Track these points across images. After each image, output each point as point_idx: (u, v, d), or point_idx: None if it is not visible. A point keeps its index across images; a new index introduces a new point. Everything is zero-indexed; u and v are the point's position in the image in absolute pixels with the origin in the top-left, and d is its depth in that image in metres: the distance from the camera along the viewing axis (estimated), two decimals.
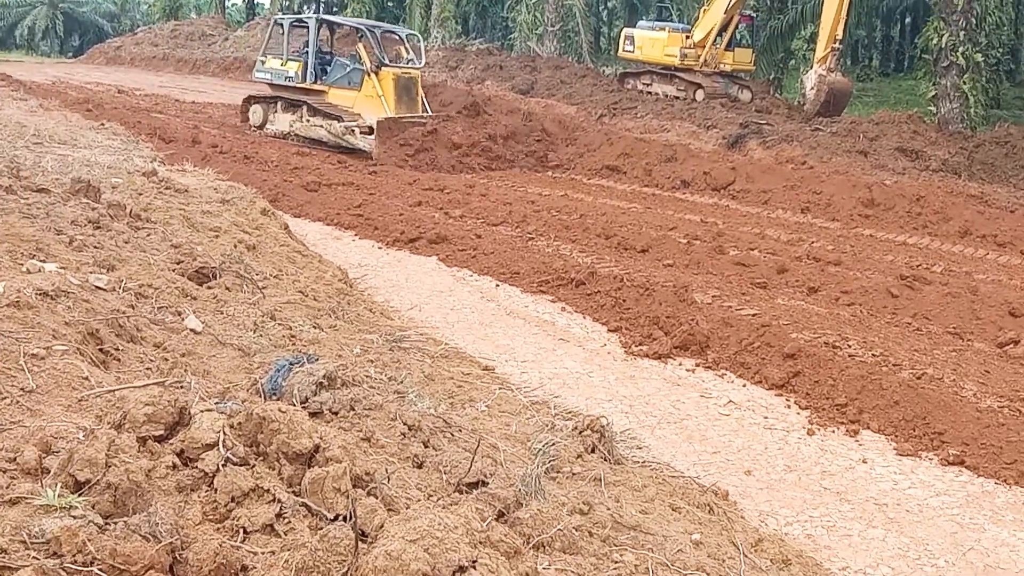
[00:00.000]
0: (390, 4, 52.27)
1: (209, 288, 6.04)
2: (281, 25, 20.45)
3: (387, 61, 18.55)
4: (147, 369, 4.25)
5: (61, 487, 2.68)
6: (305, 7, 56.79)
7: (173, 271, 6.02)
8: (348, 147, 18.32)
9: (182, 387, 3.78)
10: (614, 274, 10.19)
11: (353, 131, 18.21)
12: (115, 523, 2.61)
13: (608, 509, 3.87)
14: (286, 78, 19.40)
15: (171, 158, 13.49)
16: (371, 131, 17.94)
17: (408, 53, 19.85)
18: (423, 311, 9.11)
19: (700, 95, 26.36)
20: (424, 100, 19.18)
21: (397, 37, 20.45)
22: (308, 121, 19.06)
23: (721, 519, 4.49)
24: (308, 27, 19.63)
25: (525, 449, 4.56)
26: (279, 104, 19.92)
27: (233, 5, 67.01)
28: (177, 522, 2.73)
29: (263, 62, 20.23)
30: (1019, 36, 35.71)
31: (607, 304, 9.39)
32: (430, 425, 4.19)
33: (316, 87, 19.06)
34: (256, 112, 20.47)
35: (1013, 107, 29.51)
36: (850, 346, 8.21)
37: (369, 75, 18.25)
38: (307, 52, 19.27)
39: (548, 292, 9.94)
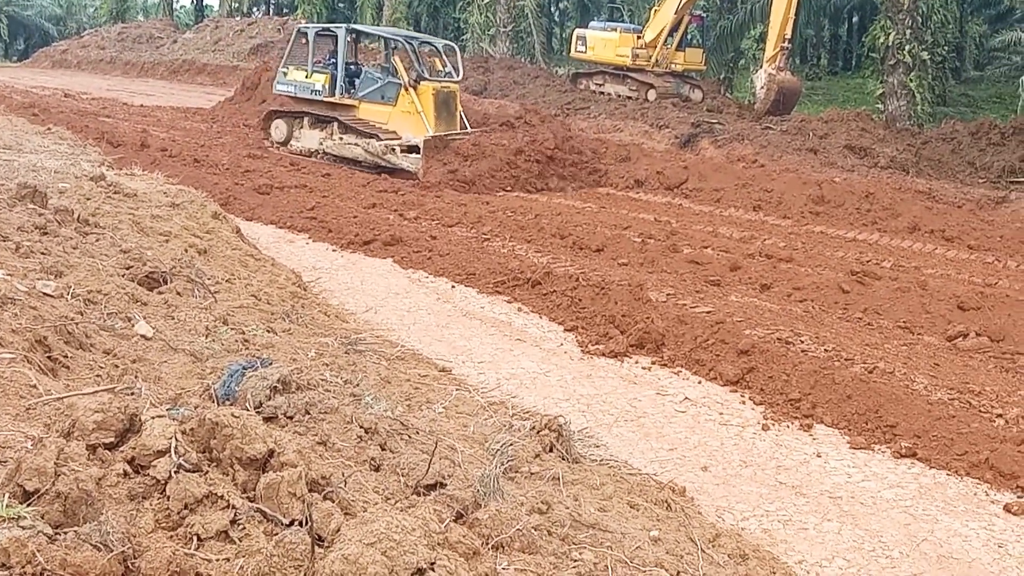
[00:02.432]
0: (341, 5, 52.02)
1: (160, 293, 5.96)
2: (305, 34, 18.80)
3: (426, 74, 17.29)
4: (97, 376, 4.18)
5: (9, 497, 2.62)
6: (255, 9, 56.42)
7: (123, 276, 5.93)
8: (387, 167, 16.87)
9: (133, 394, 3.73)
10: (570, 274, 10.21)
11: (393, 150, 16.83)
12: (65, 533, 2.57)
13: (567, 508, 3.87)
14: (312, 91, 18.01)
15: (119, 162, 13.33)
16: (411, 150, 16.68)
17: (445, 65, 18.36)
18: (379, 313, 9.06)
19: (652, 95, 26.53)
20: (463, 115, 17.96)
21: (433, 48, 18.98)
22: (340, 139, 17.66)
23: (679, 515, 4.52)
24: (337, 37, 18.22)
25: (483, 450, 4.55)
26: (305, 120, 18.47)
27: (181, 7, 66.32)
28: (129, 530, 2.69)
29: (285, 73, 18.69)
30: (964, 34, 36.36)
31: (563, 304, 9.41)
32: (387, 427, 4.16)
33: (345, 101, 17.77)
34: (279, 128, 18.91)
35: (959, 104, 30.05)
36: (803, 342, 8.30)
37: (407, 89, 16.94)
38: (333, 64, 17.95)
39: (504, 292, 9.94)
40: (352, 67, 18.32)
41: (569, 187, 16.69)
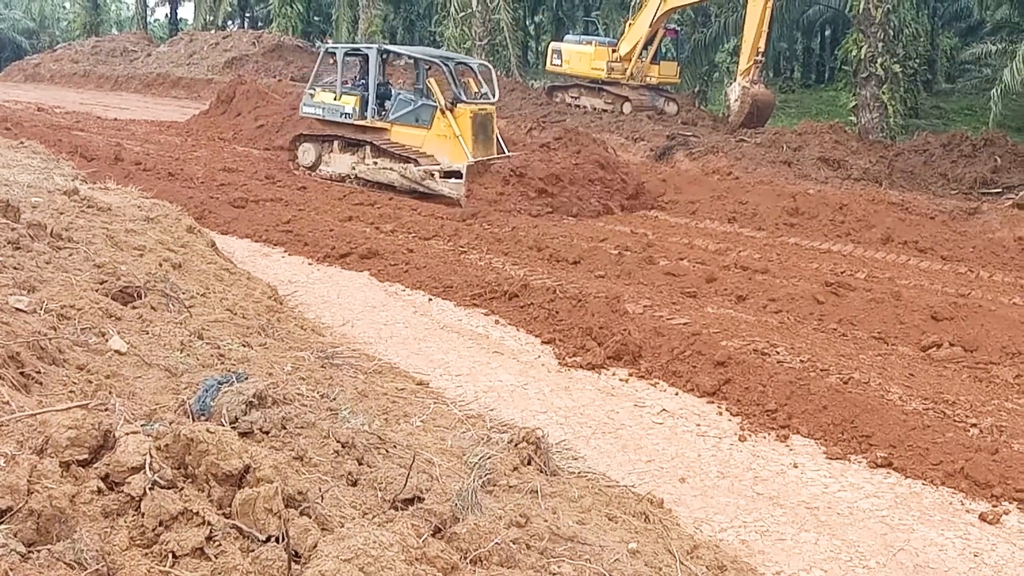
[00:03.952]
0: (316, 19, 52.03)
1: (134, 308, 5.91)
2: (333, 55, 18.08)
3: (463, 97, 16.47)
4: (70, 392, 4.14)
5: None
6: (230, 22, 56.30)
7: (96, 291, 5.88)
8: (426, 193, 16.03)
9: (106, 410, 3.69)
10: (547, 286, 10.22)
11: (432, 175, 15.99)
12: (39, 551, 2.54)
13: (545, 521, 3.87)
14: (342, 114, 17.18)
15: (93, 176, 13.23)
16: (449, 175, 15.86)
17: (480, 86, 17.44)
18: (355, 327, 9.03)
19: (627, 108, 26.70)
20: (500, 139, 17.20)
21: (468, 68, 18.09)
22: (374, 163, 16.81)
23: (657, 527, 4.52)
24: (368, 58, 17.37)
25: (461, 463, 4.54)
26: (335, 143, 17.60)
27: (156, 21, 66.07)
28: (103, 548, 2.66)
29: (312, 95, 17.83)
30: (935, 47, 36.76)
31: (540, 316, 9.41)
32: (364, 442, 4.14)
33: (377, 124, 16.98)
34: (307, 152, 18.01)
35: (930, 116, 30.35)
36: (778, 352, 8.34)
37: (444, 112, 16.11)
38: (363, 85, 17.26)
39: (481, 305, 9.93)
40: (382, 88, 17.54)
41: (616, 212, 15.82)
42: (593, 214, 15.54)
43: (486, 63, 19.62)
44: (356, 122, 17.13)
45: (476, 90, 17.28)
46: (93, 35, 52.06)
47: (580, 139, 18.25)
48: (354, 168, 17.18)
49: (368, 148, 16.96)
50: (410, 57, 18.90)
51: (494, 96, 17.37)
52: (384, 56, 18.04)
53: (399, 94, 17.34)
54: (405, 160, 16.38)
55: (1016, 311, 10.36)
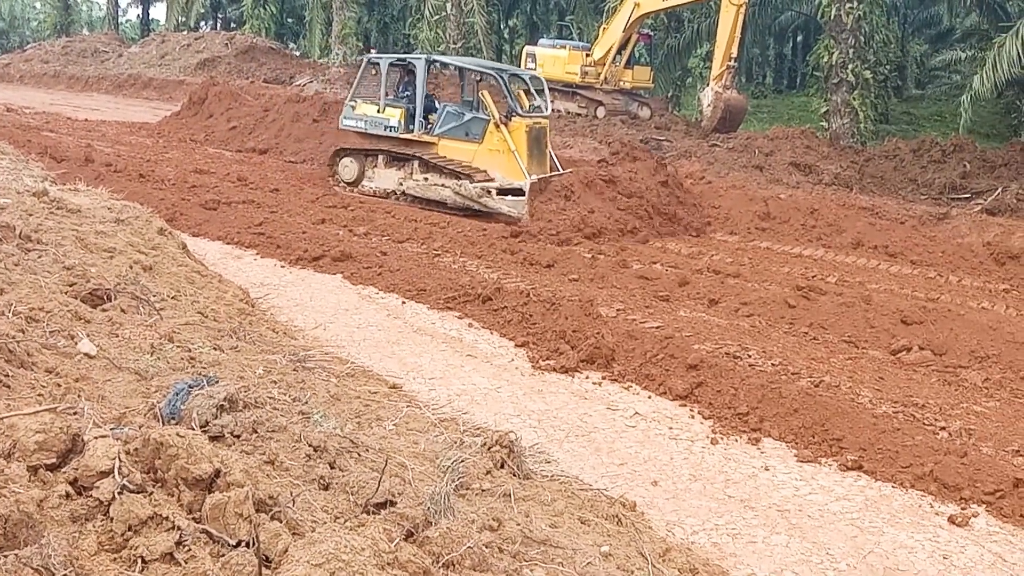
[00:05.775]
0: (289, 20, 51.85)
1: (104, 311, 5.86)
2: (376, 65, 16.91)
3: (518, 110, 15.59)
4: (39, 395, 4.09)
5: None
6: (202, 23, 55.97)
7: (66, 294, 5.82)
8: (482, 211, 15.22)
9: (75, 413, 3.65)
10: (520, 289, 10.22)
11: (489, 192, 15.15)
12: (5, 556, 2.51)
13: (518, 524, 3.87)
14: (386, 127, 16.34)
15: (63, 177, 13.08)
16: (509, 192, 15.05)
17: (533, 99, 16.61)
18: (328, 330, 8.99)
19: (601, 112, 26.82)
20: (553, 154, 16.32)
21: (520, 80, 17.25)
22: (424, 179, 15.88)
23: (629, 530, 4.53)
24: (415, 69, 16.51)
25: (434, 467, 4.53)
26: (379, 158, 16.71)
27: (127, 21, 65.61)
28: (71, 553, 2.64)
29: (353, 107, 17.03)
30: (905, 53, 37.17)
31: (514, 319, 9.41)
32: (336, 446, 4.13)
33: (424, 138, 16.10)
34: (348, 166, 17.08)
35: (900, 122, 30.66)
36: (750, 356, 8.39)
37: (498, 126, 15.25)
38: (407, 97, 16.54)
39: (455, 308, 9.92)
40: (427, 101, 16.71)
41: (678, 235, 14.94)
42: (661, 236, 14.66)
43: (538, 75, 18.77)
44: (401, 136, 16.33)
45: (528, 103, 16.49)
46: (64, 35, 51.64)
47: (636, 153, 17.54)
48: (401, 184, 16.36)
49: (416, 163, 16.19)
50: (459, 68, 18.16)
51: (547, 109, 16.60)
52: (430, 67, 17.20)
53: (446, 107, 16.59)
54: (458, 176, 15.59)
55: (985, 315, 10.49)
